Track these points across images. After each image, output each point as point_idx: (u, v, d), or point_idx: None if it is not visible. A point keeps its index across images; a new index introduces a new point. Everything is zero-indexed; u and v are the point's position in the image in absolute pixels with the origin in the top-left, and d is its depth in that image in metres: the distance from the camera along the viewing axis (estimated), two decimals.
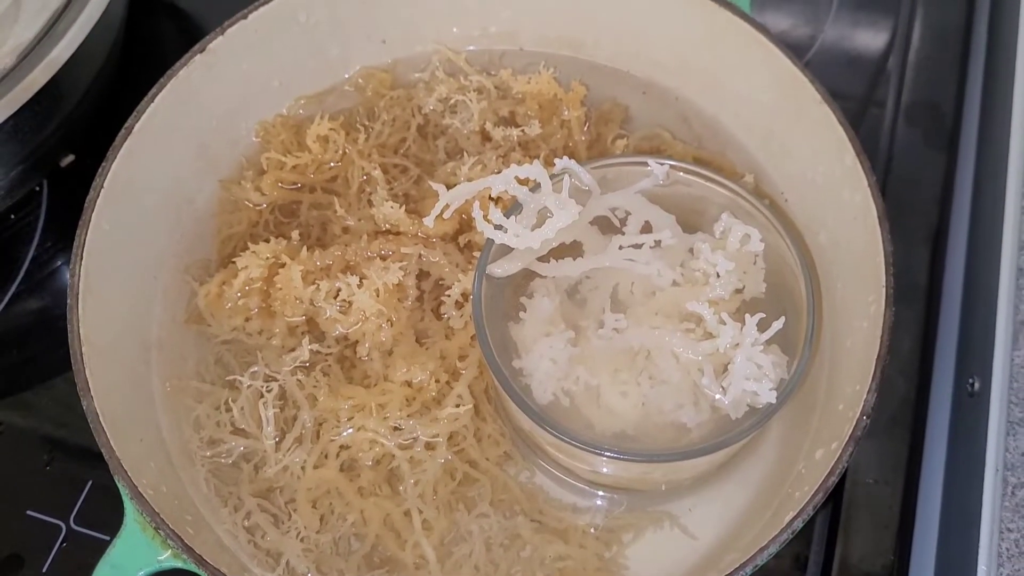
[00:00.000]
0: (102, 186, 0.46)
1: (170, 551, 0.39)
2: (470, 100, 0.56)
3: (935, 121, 0.65)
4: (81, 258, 0.44)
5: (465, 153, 0.55)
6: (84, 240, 0.45)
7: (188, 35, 0.74)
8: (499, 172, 0.48)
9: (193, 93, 0.51)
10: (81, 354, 0.42)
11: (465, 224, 0.53)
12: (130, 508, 0.40)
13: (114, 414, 0.42)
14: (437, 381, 0.49)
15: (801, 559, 0.51)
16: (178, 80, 0.50)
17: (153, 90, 0.49)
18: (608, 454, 0.42)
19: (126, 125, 0.48)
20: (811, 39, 0.70)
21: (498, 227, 0.45)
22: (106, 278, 0.46)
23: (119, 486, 0.40)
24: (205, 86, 0.52)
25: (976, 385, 0.53)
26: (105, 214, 0.46)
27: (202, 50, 0.51)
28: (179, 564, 0.39)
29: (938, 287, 0.60)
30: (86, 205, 0.46)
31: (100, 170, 0.47)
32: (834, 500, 0.53)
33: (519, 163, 0.47)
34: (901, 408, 0.55)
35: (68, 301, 0.43)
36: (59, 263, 0.64)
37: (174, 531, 0.38)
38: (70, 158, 0.66)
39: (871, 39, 0.70)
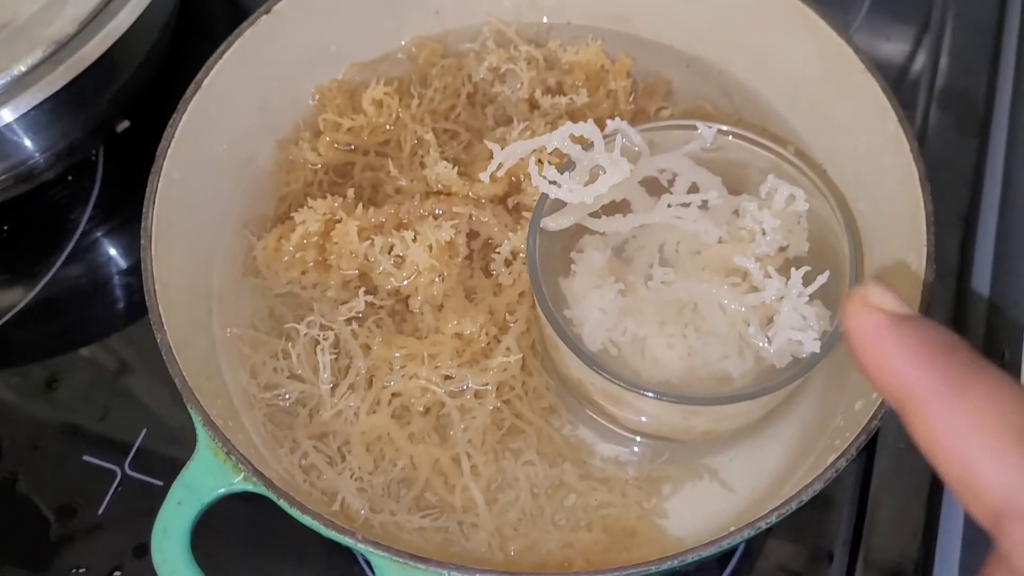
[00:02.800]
0: (173, 136, 0.48)
1: (242, 475, 0.40)
2: (520, 69, 0.58)
3: (967, 107, 0.67)
4: (154, 203, 0.46)
5: (515, 120, 0.57)
6: (156, 187, 0.47)
7: (237, 9, 0.77)
8: None
9: (257, 53, 0.53)
10: (154, 291, 0.44)
11: (514, 186, 0.55)
12: (202, 434, 0.41)
13: (183, 350, 0.44)
14: (486, 334, 0.51)
15: (832, 521, 0.53)
16: (244, 39, 0.52)
17: (221, 47, 0.51)
18: (655, 394, 0.43)
19: (195, 80, 0.50)
20: (846, 25, 0.72)
21: (552, 183, 0.47)
22: (174, 226, 0.48)
23: (191, 414, 0.42)
24: (268, 47, 0.54)
25: (1007, 356, 0.54)
26: (175, 163, 0.48)
27: (268, 11, 0.53)
28: (250, 487, 0.40)
29: (969, 266, 0.61)
30: (158, 153, 0.48)
31: (171, 120, 0.49)
32: (866, 465, 0.54)
33: None
34: None
35: (142, 242, 0.45)
36: (114, 224, 0.66)
37: (244, 456, 0.40)
38: (125, 124, 0.68)
39: (905, 26, 0.72)
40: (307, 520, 0.39)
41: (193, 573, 0.39)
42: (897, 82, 0.68)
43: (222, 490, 0.40)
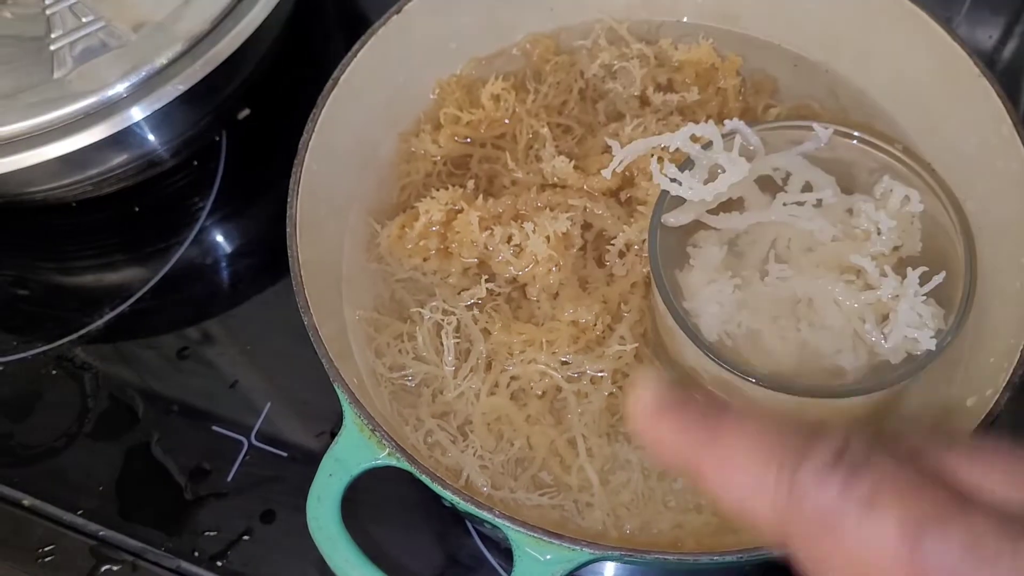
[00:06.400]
0: (314, 129, 0.51)
1: (387, 450, 0.43)
2: (632, 67, 0.60)
3: None
4: (297, 193, 0.50)
5: (627, 116, 0.59)
6: (300, 177, 0.50)
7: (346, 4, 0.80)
8: (659, 134, 0.52)
9: (387, 50, 0.56)
10: (301, 276, 0.47)
11: (627, 181, 0.57)
12: (348, 411, 0.44)
13: (325, 332, 0.47)
14: (601, 323, 0.53)
15: None
16: (377, 38, 0.55)
17: (356, 46, 0.54)
18: (771, 384, 0.45)
19: (333, 76, 0.53)
20: (948, 19, 0.72)
21: (673, 180, 0.49)
22: (311, 214, 0.51)
23: (338, 392, 0.45)
24: (396, 44, 0.57)
25: None
26: (314, 155, 0.51)
27: (398, 11, 0.55)
28: (393, 462, 0.43)
29: None
30: (300, 146, 0.51)
31: (312, 115, 0.52)
32: None
33: (678, 127, 0.51)
34: None
35: (287, 230, 0.49)
36: (238, 206, 0.70)
37: (387, 433, 0.43)
38: (246, 112, 0.72)
39: (1005, 20, 0.72)
40: (446, 494, 0.42)
41: (344, 536, 0.42)
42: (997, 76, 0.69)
43: (368, 464, 0.43)
